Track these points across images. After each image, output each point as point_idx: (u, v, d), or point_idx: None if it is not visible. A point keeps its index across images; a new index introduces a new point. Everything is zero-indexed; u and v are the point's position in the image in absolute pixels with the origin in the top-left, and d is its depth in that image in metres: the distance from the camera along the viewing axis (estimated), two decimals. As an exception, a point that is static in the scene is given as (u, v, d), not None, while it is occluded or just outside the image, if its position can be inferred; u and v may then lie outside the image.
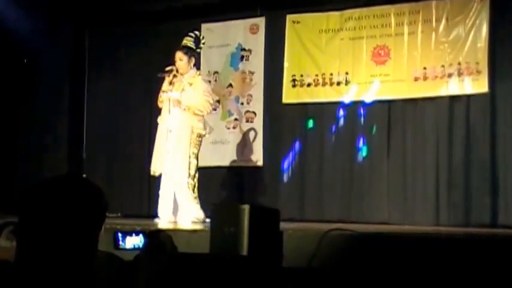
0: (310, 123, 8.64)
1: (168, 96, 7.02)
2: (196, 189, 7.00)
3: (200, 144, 7.07)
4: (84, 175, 9.16)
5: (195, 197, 6.96)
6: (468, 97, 7.77)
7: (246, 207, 4.04)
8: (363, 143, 8.32)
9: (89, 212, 1.84)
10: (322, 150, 8.54)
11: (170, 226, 6.40)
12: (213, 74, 8.96)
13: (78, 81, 9.70)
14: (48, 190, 1.83)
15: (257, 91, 8.87)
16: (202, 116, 7.05)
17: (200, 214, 6.86)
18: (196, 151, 7.00)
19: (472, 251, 4.42)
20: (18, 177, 9.27)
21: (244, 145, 8.86)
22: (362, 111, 8.35)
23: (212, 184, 8.40)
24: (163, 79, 7.14)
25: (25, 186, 1.87)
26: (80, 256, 1.81)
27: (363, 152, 8.32)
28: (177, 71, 7.08)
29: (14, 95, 9.49)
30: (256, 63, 8.90)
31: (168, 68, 7.11)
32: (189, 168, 6.93)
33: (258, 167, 8.76)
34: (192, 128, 6.96)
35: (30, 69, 9.44)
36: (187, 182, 6.93)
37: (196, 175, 7.01)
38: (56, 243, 1.78)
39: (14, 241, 1.87)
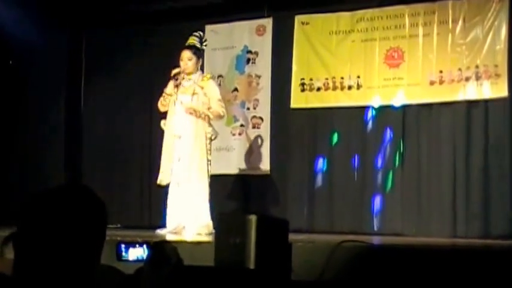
0: (320, 131, 8.65)
1: (175, 99, 7.01)
2: None
3: (211, 149, 7.10)
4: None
5: (209, 209, 6.98)
6: (486, 102, 7.77)
7: (253, 218, 4.04)
8: (375, 150, 8.32)
9: (91, 224, 1.86)
10: (333, 157, 8.54)
11: (173, 237, 6.40)
12: (218, 77, 8.93)
13: (76, 85, 9.72)
14: (48, 200, 1.85)
15: (264, 96, 8.88)
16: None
17: (211, 227, 6.85)
18: (210, 158, 7.02)
19: (491, 263, 4.41)
20: (13, 186, 9.27)
21: (250, 152, 8.87)
22: (374, 116, 8.35)
23: (217, 193, 8.36)
24: (166, 81, 7.15)
25: (25, 196, 1.88)
26: (80, 270, 1.82)
27: (375, 160, 8.31)
28: (182, 72, 7.08)
29: (9, 100, 9.51)
30: (263, 66, 8.91)
31: (175, 71, 7.10)
32: (209, 177, 6.95)
33: (265, 175, 8.76)
34: (206, 134, 6.98)
35: (26, 73, 9.46)
36: (208, 193, 6.95)
37: None
38: (56, 255, 1.79)
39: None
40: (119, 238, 4.91)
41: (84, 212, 1.85)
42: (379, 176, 8.27)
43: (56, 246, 1.79)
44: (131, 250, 2.40)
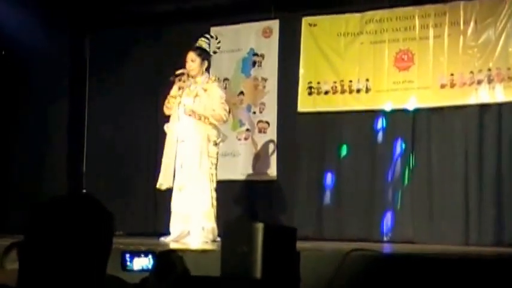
0: (328, 135, 8.64)
1: (179, 102, 7.00)
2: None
3: (218, 153, 7.07)
4: (84, 190, 9.23)
5: (214, 214, 6.94)
6: (499, 106, 7.76)
7: (260, 226, 4.03)
8: (385, 155, 8.31)
9: (98, 234, 1.86)
10: (341, 162, 8.53)
11: (178, 245, 6.40)
12: (223, 80, 8.92)
13: (79, 88, 9.71)
14: (55, 210, 1.85)
15: (270, 99, 8.88)
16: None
17: (216, 232, 6.83)
18: (215, 161, 6.99)
19: (505, 273, 4.41)
20: (13, 190, 9.27)
21: (257, 157, 8.86)
22: (383, 121, 8.34)
23: (222, 199, 8.36)
24: (172, 84, 7.13)
25: (32, 205, 1.89)
26: (86, 280, 1.83)
27: (385, 165, 8.29)
28: (187, 74, 7.07)
29: (10, 105, 9.50)
30: (270, 69, 8.90)
31: (179, 71, 7.08)
32: (212, 181, 6.93)
33: (271, 181, 8.76)
34: (208, 137, 6.94)
35: (28, 75, 9.44)
36: (211, 197, 6.92)
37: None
38: (62, 266, 1.80)
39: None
40: (121, 246, 4.91)
41: (91, 222, 1.86)
42: (389, 182, 8.26)
43: (62, 256, 1.80)
44: (136, 260, 2.40)
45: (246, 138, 8.95)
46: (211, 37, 7.32)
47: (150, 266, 2.39)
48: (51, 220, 1.83)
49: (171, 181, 7.02)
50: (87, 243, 1.83)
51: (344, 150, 8.52)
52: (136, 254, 2.41)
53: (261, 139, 8.89)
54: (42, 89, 9.42)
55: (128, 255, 2.40)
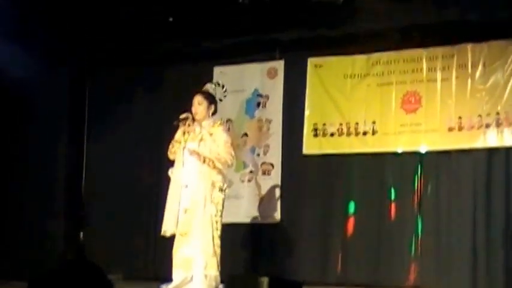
0: (334, 179, 8.66)
1: (183, 146, 7.00)
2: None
3: (224, 200, 7.02)
4: (82, 233, 9.24)
5: (217, 262, 6.88)
6: (508, 150, 7.81)
7: (265, 280, 4.07)
8: (392, 198, 8.32)
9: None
10: (347, 206, 8.54)
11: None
12: (226, 121, 8.87)
13: (77, 129, 9.74)
14: (56, 280, 1.88)
15: (275, 141, 8.91)
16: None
17: (219, 280, 6.77)
18: (221, 208, 6.94)
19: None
20: (11, 236, 9.26)
21: (260, 200, 8.86)
22: (390, 164, 8.36)
23: (224, 243, 8.37)
24: (176, 129, 7.13)
25: (34, 276, 1.91)
26: None
27: (392, 209, 8.31)
28: (193, 119, 7.07)
29: (9, 146, 9.53)
30: (274, 110, 8.94)
31: (183, 116, 7.07)
32: (217, 229, 6.88)
33: (275, 224, 8.75)
34: (213, 183, 6.92)
35: (26, 119, 9.46)
36: (214, 244, 6.87)
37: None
38: None
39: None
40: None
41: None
42: (395, 226, 8.26)
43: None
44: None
45: (249, 180, 8.96)
46: (218, 85, 7.35)
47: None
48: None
49: (175, 227, 6.98)
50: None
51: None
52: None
53: (265, 181, 8.90)
54: (41, 133, 9.44)
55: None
